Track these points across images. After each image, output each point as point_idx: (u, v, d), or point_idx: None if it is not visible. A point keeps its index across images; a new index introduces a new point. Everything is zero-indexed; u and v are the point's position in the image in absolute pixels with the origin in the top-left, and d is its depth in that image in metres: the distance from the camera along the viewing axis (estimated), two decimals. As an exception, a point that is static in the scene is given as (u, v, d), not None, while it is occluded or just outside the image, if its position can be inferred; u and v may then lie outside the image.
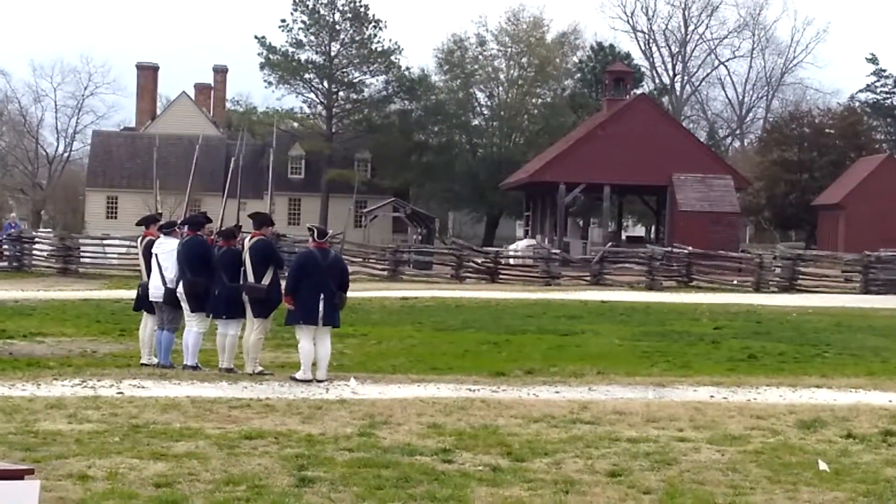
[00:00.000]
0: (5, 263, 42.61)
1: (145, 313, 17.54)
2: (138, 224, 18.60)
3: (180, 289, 16.73)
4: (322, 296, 15.89)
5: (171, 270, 16.90)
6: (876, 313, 31.51)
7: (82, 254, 43.39)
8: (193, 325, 16.84)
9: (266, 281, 16.41)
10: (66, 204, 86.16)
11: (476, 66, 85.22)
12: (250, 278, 16.37)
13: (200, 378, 15.79)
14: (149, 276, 17.31)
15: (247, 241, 16.77)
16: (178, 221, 18.30)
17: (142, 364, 17.09)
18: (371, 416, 12.91)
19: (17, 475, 6.54)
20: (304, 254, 16.83)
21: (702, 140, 78.67)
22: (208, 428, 11.94)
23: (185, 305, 16.82)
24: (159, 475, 9.77)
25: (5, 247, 43.44)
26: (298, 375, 15.83)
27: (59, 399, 13.55)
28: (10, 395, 13.80)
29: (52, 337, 21.32)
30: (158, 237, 17.50)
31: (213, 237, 17.43)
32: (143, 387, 14.86)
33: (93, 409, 12.89)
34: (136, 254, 17.40)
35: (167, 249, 17.08)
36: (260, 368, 16.46)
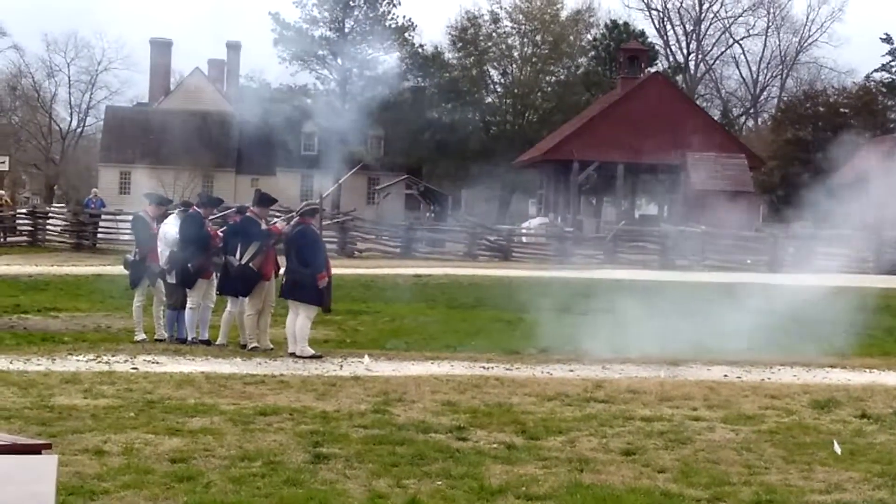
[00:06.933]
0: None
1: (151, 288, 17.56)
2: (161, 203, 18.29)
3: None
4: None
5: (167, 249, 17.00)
6: (890, 293, 31.41)
7: (96, 229, 43.40)
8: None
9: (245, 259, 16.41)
10: (79, 179, 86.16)
11: (489, 44, 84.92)
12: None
13: (215, 354, 15.83)
14: (147, 255, 17.29)
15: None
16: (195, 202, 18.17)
17: (156, 339, 17.12)
18: (385, 393, 12.94)
19: (34, 449, 6.54)
20: (312, 230, 16.74)
21: (716, 119, 78.32)
22: (223, 404, 11.98)
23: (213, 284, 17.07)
24: (175, 450, 9.81)
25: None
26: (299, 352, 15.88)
27: (74, 374, 13.60)
28: (25, 370, 13.86)
29: (67, 312, 21.37)
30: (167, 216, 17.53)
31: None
32: (157, 362, 14.91)
33: (108, 385, 12.94)
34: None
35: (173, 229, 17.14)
36: (254, 344, 16.44)
